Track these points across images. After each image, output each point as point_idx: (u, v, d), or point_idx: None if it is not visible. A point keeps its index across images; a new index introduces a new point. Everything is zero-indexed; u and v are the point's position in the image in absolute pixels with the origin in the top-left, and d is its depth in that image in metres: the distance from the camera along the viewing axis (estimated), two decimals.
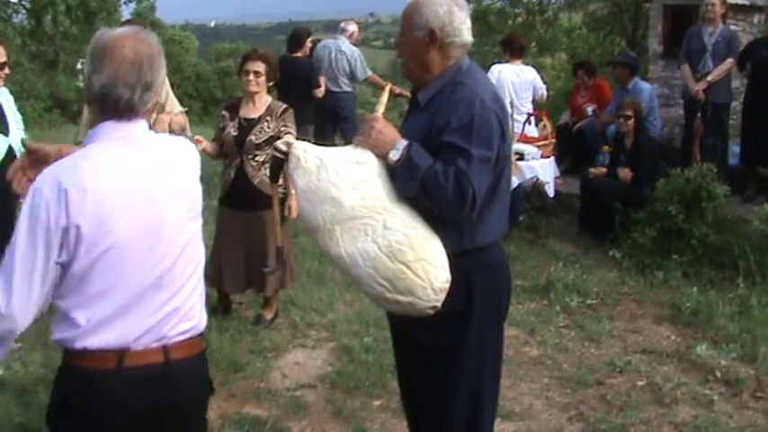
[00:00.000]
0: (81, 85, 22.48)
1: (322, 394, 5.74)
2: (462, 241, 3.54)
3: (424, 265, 3.36)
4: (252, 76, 6.66)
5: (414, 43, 3.60)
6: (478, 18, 20.15)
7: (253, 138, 6.59)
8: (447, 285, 3.41)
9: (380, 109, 3.76)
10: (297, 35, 11.73)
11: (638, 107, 9.61)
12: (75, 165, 2.66)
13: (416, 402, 3.93)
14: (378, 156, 3.50)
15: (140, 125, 2.79)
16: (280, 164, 3.62)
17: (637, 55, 13.13)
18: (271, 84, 6.86)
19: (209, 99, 38.32)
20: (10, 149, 5.93)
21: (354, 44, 12.25)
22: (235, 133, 6.66)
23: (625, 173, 9.45)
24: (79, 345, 2.71)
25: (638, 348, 6.71)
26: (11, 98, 6.16)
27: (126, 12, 25.28)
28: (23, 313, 2.63)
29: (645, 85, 10.97)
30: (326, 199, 3.43)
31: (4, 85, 6.08)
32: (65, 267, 2.65)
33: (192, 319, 2.93)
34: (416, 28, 3.57)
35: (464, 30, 3.59)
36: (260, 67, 6.67)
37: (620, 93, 10.88)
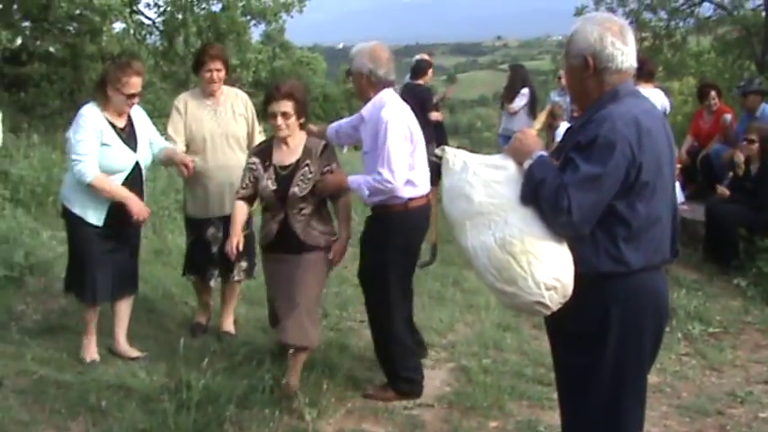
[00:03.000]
0: None
1: (439, 414, 5.78)
2: (598, 264, 3.57)
3: (528, 257, 3.47)
4: (280, 120, 5.69)
5: (572, 70, 3.73)
6: None
7: (296, 190, 5.72)
8: (554, 283, 3.48)
9: (536, 125, 4.09)
10: (421, 65, 12.68)
11: (763, 132, 9.42)
12: None
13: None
14: (517, 163, 3.68)
15: None
16: (437, 168, 3.95)
17: (767, 78, 12.85)
18: (302, 120, 5.86)
19: (336, 120, 38.85)
20: (137, 165, 6.26)
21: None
22: (273, 186, 5.79)
23: (722, 190, 9.39)
24: None
25: (760, 379, 6.59)
26: (143, 114, 6.45)
27: (256, 33, 25.86)
28: None
29: None
30: (461, 195, 3.70)
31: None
32: None
33: None
34: (572, 55, 3.69)
35: (618, 55, 3.61)
36: (287, 106, 5.67)
37: (747, 118, 10.67)
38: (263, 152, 5.95)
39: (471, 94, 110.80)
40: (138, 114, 6.41)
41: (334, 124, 6.46)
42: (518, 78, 13.28)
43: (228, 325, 7.20)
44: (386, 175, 5.53)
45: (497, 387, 6.08)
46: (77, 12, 16.42)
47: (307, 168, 5.76)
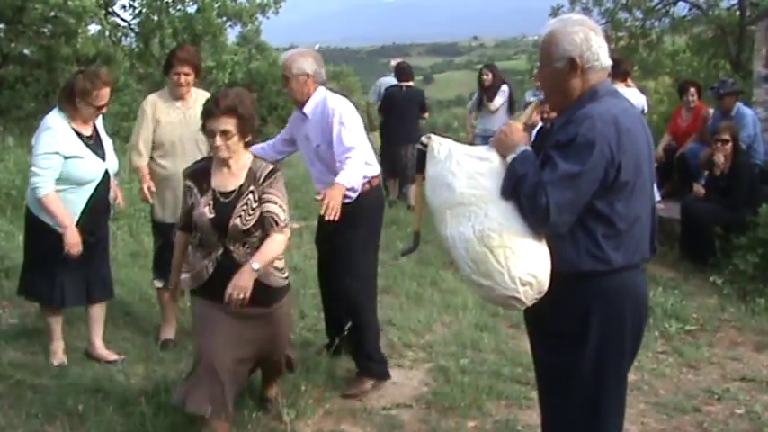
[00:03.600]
0: None
1: (417, 414, 5.79)
2: (579, 262, 3.59)
3: (505, 252, 3.47)
4: (219, 140, 4.83)
5: (555, 75, 3.69)
6: None
7: (238, 221, 4.87)
8: (529, 279, 3.48)
9: (522, 119, 4.12)
10: (406, 68, 13.57)
11: (734, 131, 9.51)
12: None
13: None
14: (501, 156, 3.69)
15: None
16: (422, 155, 3.93)
17: (741, 77, 12.90)
18: (248, 139, 5.05)
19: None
20: (105, 173, 6.27)
21: None
22: (211, 215, 4.92)
23: (698, 188, 9.57)
24: None
25: (737, 376, 6.64)
26: (101, 124, 6.44)
27: (232, 35, 25.76)
28: None
29: (748, 112, 10.76)
30: (444, 185, 3.70)
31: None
32: None
33: None
34: (555, 59, 3.66)
35: (601, 53, 3.65)
36: (228, 124, 4.82)
37: (721, 117, 10.70)
38: (199, 174, 5.08)
39: (448, 94, 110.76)
40: (100, 124, 6.41)
41: (259, 147, 6.23)
42: (499, 77, 13.30)
43: (168, 332, 7.03)
44: (352, 153, 5.82)
45: (475, 387, 6.09)
46: (52, 14, 16.33)
47: (251, 196, 4.91)
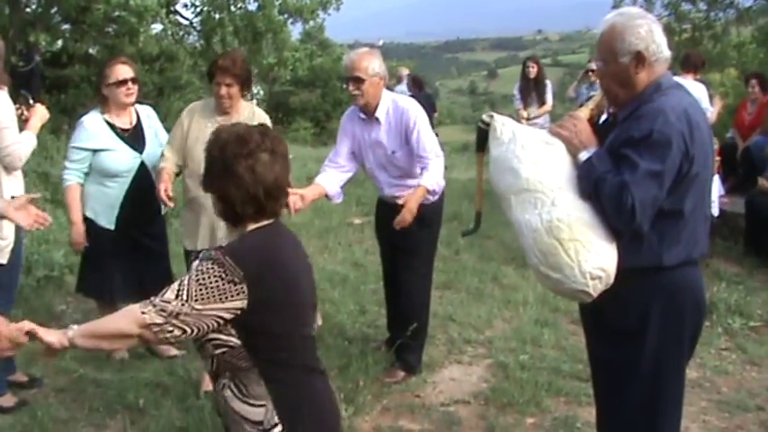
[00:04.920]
0: (255, 102, 23.23)
1: (475, 410, 5.77)
2: (641, 258, 3.55)
3: (576, 245, 3.45)
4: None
5: (620, 71, 3.62)
6: None
7: None
8: (600, 273, 3.46)
9: (590, 105, 4.04)
10: (419, 79, 16.47)
11: None
12: None
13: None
14: (569, 152, 3.65)
15: None
16: (484, 134, 3.89)
17: None
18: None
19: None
20: (142, 164, 6.23)
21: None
22: None
23: (763, 182, 9.31)
24: None
25: None
26: (153, 115, 6.45)
27: (295, 32, 25.88)
28: None
29: None
30: (508, 168, 3.67)
31: (142, 103, 6.39)
32: None
33: None
34: (621, 54, 3.59)
35: (663, 45, 3.61)
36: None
37: None
38: None
39: (512, 88, 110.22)
40: (149, 116, 6.41)
41: (329, 177, 6.11)
42: (543, 70, 13.45)
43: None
44: (434, 156, 5.84)
45: (534, 383, 6.05)
46: (116, 13, 16.50)
47: None
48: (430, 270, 6.36)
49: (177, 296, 2.93)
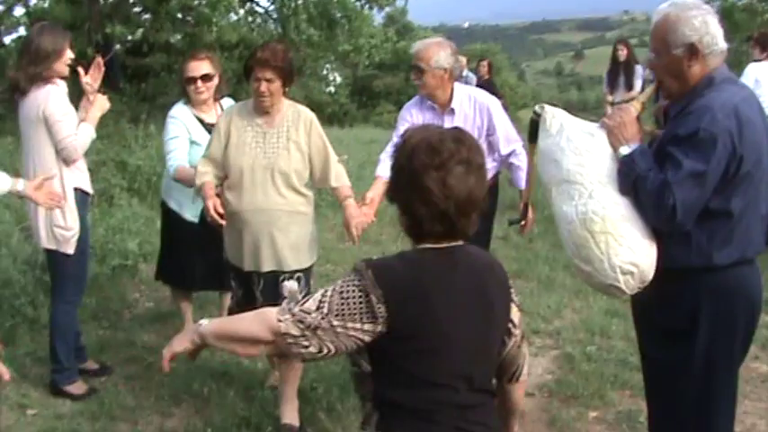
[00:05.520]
0: (332, 90, 23.42)
1: (539, 403, 5.72)
2: (689, 258, 3.48)
3: (607, 238, 3.41)
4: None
5: (673, 62, 3.54)
6: (724, 16, 19.45)
7: None
8: (631, 268, 3.41)
9: (642, 98, 3.93)
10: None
11: None
12: None
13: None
14: (611, 144, 3.60)
15: None
16: (535, 125, 3.86)
17: None
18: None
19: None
20: None
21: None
22: None
23: None
24: None
25: None
26: None
27: (378, 16, 25.88)
28: None
29: None
30: (552, 160, 3.67)
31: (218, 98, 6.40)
32: None
33: None
34: (674, 46, 3.50)
35: (719, 36, 3.51)
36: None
37: None
38: None
39: (599, 69, 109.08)
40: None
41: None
42: (633, 54, 13.24)
43: (289, 414, 5.32)
44: (521, 148, 5.93)
45: (600, 375, 5.99)
46: (195, 2, 16.65)
47: None
48: None
49: (318, 308, 2.66)
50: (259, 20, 20.83)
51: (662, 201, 3.32)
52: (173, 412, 5.57)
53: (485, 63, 17.32)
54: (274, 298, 4.89)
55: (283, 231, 5.07)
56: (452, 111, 5.86)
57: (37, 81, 5.41)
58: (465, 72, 15.96)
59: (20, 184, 4.92)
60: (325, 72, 23.51)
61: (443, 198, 2.61)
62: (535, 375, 6.14)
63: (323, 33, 18.99)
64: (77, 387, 5.80)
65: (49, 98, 5.39)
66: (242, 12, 18.32)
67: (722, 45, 3.51)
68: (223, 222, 5.01)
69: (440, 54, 5.74)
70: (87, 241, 5.82)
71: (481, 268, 2.79)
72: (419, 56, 5.78)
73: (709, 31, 3.46)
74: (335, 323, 2.61)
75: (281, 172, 5.03)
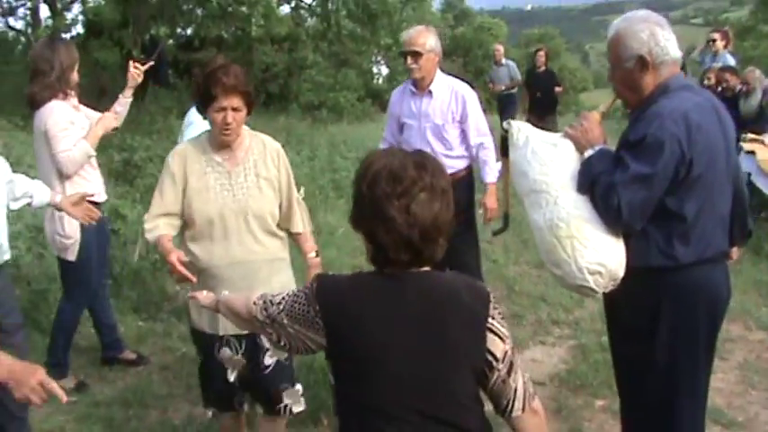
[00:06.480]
0: (379, 81, 23.67)
1: (548, 392, 5.89)
2: (650, 257, 3.62)
3: (573, 242, 3.57)
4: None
5: (626, 74, 3.73)
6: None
7: None
8: (598, 268, 3.55)
9: (601, 108, 4.11)
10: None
11: None
12: None
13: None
14: (578, 150, 3.78)
15: None
16: (505, 140, 4.12)
17: None
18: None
19: None
20: None
21: None
22: None
23: None
24: None
25: None
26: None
27: (437, 1, 25.90)
28: None
29: None
30: (520, 172, 3.87)
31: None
32: None
33: None
34: (625, 60, 3.69)
35: (670, 46, 3.66)
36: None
37: None
38: None
39: None
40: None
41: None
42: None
43: None
44: (490, 143, 6.23)
45: (610, 365, 6.08)
46: None
47: None
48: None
49: (279, 302, 2.78)
50: (304, 13, 21.15)
51: (609, 201, 3.51)
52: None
53: (542, 53, 17.26)
54: (256, 356, 4.38)
55: (265, 284, 4.18)
56: (430, 93, 6.25)
57: (51, 93, 5.70)
58: (504, 60, 16.09)
59: (57, 197, 5.16)
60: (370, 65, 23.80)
61: (407, 227, 2.53)
62: (549, 365, 6.38)
63: (366, 27, 19.22)
64: (67, 382, 6.02)
65: (52, 113, 5.67)
66: (272, 8, 18.40)
67: (674, 54, 3.67)
68: (194, 280, 4.02)
69: (430, 38, 6.18)
70: (93, 249, 5.97)
71: (439, 297, 2.63)
72: (413, 41, 6.17)
73: (657, 42, 3.63)
74: (286, 321, 2.72)
75: (256, 215, 4.29)
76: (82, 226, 5.55)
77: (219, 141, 4.24)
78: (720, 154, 3.66)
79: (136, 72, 6.07)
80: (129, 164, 11.12)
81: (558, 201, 3.65)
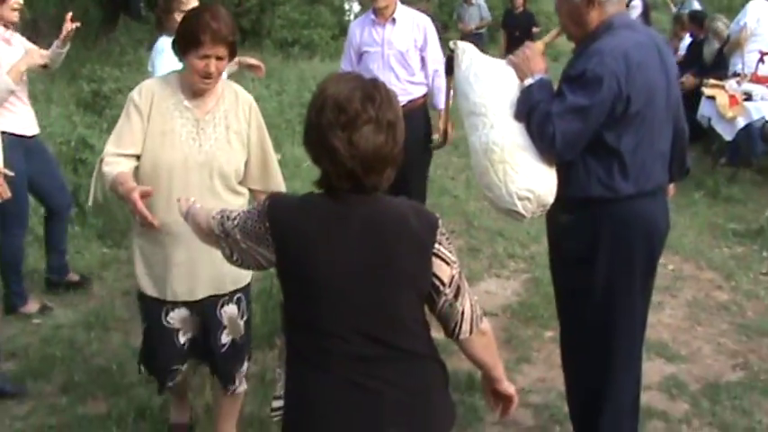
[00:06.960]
0: (351, 18, 23.39)
1: (500, 323, 6.04)
2: (590, 189, 3.74)
3: (505, 167, 3.64)
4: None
5: (573, 9, 3.79)
6: None
7: None
8: (528, 194, 3.63)
9: (545, 39, 4.17)
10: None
11: None
12: None
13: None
14: (519, 78, 3.86)
15: None
16: (450, 60, 4.17)
17: None
18: None
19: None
20: None
21: None
22: None
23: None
24: None
25: None
26: None
27: None
28: None
29: None
30: (462, 93, 3.94)
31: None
32: None
33: None
34: None
35: None
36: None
37: None
38: None
39: None
40: None
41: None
42: None
43: None
44: (443, 67, 6.22)
45: None
46: None
47: None
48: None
49: (234, 218, 2.81)
50: None
51: (544, 129, 3.61)
52: None
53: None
54: (213, 330, 4.09)
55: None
56: (394, 20, 6.48)
57: None
58: (475, 0, 16.19)
59: None
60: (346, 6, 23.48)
61: (349, 157, 2.52)
62: (503, 297, 6.55)
63: None
64: (31, 306, 6.23)
65: None
66: None
67: None
68: (156, 223, 3.52)
69: None
70: (20, 181, 5.66)
71: (384, 222, 2.63)
72: None
73: None
74: (239, 237, 2.76)
75: (221, 171, 3.88)
76: (5, 159, 5.16)
77: (195, 90, 3.85)
78: (661, 92, 3.76)
79: (69, 28, 5.92)
80: (98, 95, 11.02)
81: (495, 125, 3.72)
